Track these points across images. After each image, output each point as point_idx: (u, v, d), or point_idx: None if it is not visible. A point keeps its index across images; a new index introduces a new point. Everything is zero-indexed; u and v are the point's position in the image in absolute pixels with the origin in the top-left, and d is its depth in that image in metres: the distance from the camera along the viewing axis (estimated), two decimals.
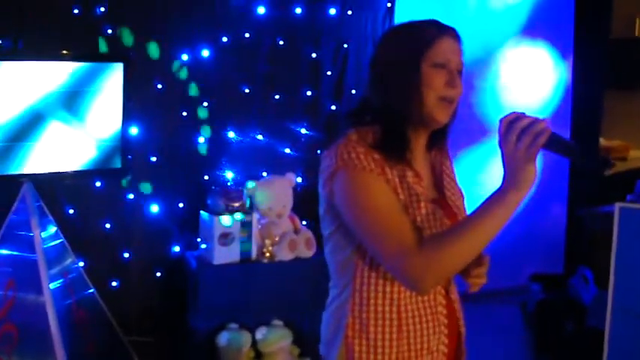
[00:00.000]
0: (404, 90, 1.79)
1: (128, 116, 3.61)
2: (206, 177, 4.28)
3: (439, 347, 1.89)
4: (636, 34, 6.76)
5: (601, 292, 4.50)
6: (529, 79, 5.79)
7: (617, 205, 3.12)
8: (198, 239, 4.08)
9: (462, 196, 2.04)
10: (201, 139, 4.25)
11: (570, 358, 4.44)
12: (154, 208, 4.13)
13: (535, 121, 1.58)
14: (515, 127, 1.58)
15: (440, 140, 1.96)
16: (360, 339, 1.85)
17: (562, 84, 5.96)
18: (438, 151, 1.99)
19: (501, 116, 1.62)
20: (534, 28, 5.75)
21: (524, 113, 1.61)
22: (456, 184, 2.04)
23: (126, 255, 4.11)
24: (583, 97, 5.89)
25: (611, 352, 3.12)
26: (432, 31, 1.80)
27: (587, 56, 5.83)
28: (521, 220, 5.70)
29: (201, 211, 4.00)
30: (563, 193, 5.99)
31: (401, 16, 4.81)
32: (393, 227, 1.72)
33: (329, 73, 4.64)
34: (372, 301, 1.84)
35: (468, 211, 1.80)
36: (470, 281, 1.92)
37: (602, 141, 6.52)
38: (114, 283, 4.08)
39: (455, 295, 1.97)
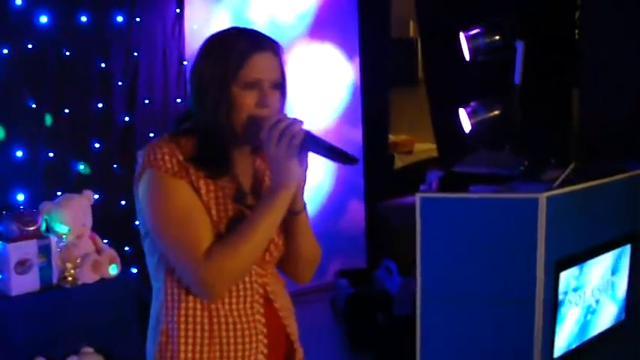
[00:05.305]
0: (214, 111, 1.77)
1: None
2: None
3: (258, 357, 1.84)
4: (411, 34, 7.20)
5: (406, 281, 4.69)
6: (320, 80, 5.91)
7: (418, 196, 3.23)
8: None
9: None
10: None
11: (384, 347, 4.58)
12: None
13: (292, 123, 1.73)
14: (275, 130, 1.72)
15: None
16: (172, 344, 1.80)
17: (351, 83, 6.15)
18: (264, 158, 1.94)
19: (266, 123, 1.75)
20: (321, 30, 5.88)
21: (285, 115, 1.78)
22: None
23: None
24: (371, 95, 6.11)
25: (423, 336, 3.24)
26: (244, 49, 1.77)
27: (372, 56, 6.05)
28: (322, 218, 5.85)
29: None
30: (359, 189, 6.17)
31: (191, 23, 4.75)
32: (185, 237, 1.73)
33: (120, 83, 4.49)
34: (182, 304, 1.80)
35: None
36: None
37: (390, 137, 6.83)
38: None
39: (280, 304, 1.93)
